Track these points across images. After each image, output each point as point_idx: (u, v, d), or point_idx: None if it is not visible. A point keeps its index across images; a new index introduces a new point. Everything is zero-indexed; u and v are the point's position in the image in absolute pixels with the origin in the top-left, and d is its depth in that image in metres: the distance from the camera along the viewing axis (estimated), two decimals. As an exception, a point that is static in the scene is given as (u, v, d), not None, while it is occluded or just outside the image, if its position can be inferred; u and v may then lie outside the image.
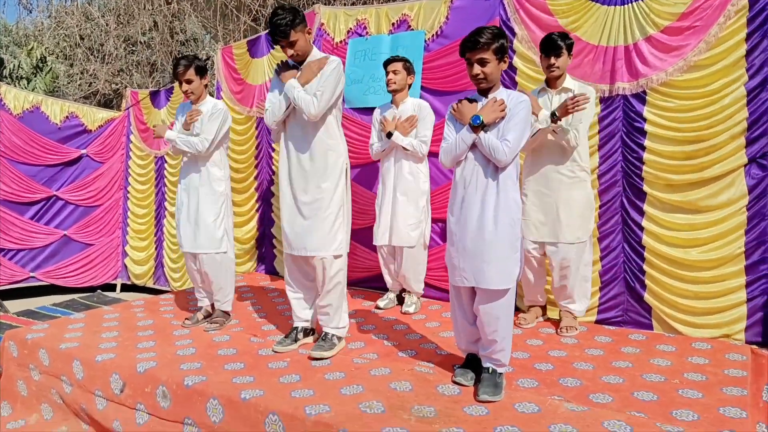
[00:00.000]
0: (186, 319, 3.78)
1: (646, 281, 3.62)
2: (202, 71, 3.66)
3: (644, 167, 3.59)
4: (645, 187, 3.60)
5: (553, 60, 3.28)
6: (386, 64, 3.90)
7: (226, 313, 3.76)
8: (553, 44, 3.25)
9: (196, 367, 2.94)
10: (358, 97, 4.74)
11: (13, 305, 5.91)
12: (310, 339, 3.32)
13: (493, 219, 2.49)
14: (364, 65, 4.72)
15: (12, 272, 6.25)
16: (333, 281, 3.10)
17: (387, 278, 4.12)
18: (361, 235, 4.48)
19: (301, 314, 3.29)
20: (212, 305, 3.81)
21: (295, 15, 2.94)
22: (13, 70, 9.85)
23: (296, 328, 3.29)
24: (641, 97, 3.60)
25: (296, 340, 3.25)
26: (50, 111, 6.44)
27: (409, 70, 3.91)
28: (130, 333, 3.59)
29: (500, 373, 2.62)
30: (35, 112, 6.36)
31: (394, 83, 3.86)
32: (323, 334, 3.18)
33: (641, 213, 3.63)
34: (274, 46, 5.18)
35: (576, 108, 3.11)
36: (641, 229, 3.62)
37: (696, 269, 3.46)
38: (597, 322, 3.75)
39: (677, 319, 3.49)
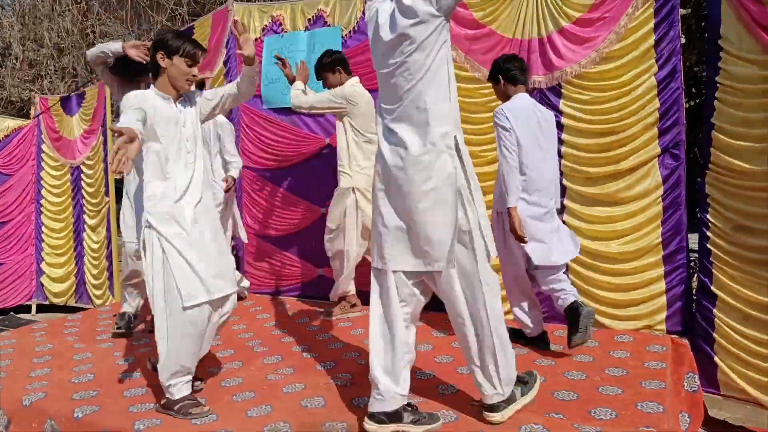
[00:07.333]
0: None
1: (570, 275, 3.58)
2: None
3: (563, 161, 3.55)
4: (565, 181, 3.56)
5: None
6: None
7: None
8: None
9: (90, 396, 2.68)
10: (276, 97, 4.54)
11: None
12: None
13: None
14: (281, 63, 4.51)
15: None
16: None
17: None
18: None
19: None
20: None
21: None
22: None
23: None
24: (557, 90, 3.56)
25: None
26: (-54, 122, 5.94)
27: None
28: (24, 361, 3.27)
29: None
30: (-71, 124, 5.85)
31: None
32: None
33: (562, 207, 3.59)
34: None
35: None
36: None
37: (616, 261, 3.45)
38: (524, 319, 3.69)
39: (601, 312, 3.47)
